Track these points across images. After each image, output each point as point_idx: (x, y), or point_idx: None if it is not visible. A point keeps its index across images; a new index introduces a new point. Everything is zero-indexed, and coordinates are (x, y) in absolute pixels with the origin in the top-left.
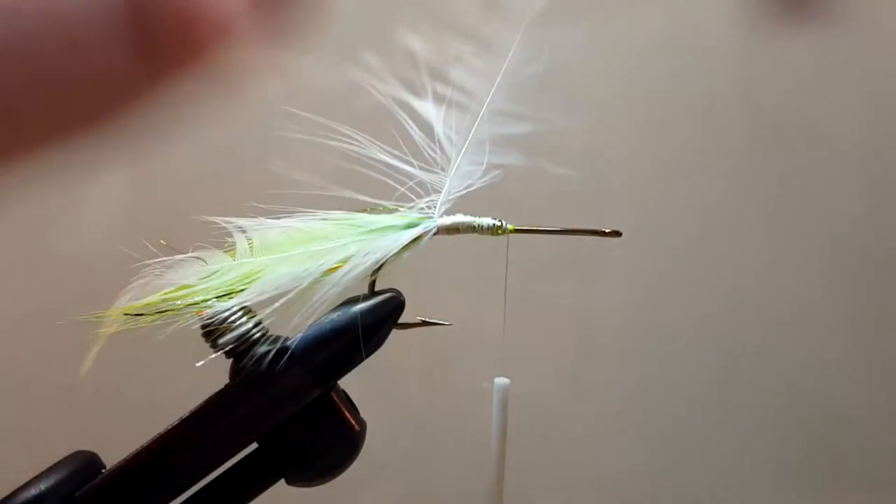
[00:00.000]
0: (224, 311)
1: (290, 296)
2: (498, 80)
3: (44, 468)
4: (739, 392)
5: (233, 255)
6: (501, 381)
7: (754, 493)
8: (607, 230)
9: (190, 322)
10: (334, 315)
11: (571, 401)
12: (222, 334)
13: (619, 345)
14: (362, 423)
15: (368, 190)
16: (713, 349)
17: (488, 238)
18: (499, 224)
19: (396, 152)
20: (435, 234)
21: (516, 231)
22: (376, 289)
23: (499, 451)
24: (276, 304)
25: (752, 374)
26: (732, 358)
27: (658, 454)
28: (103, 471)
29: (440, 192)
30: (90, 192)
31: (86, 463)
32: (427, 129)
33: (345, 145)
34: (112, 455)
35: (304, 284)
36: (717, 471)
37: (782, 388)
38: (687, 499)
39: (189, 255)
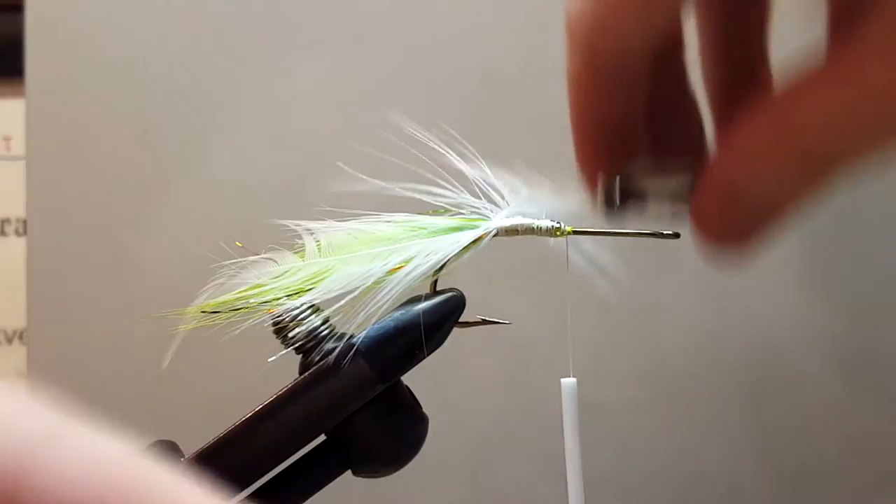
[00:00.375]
0: (294, 309)
1: (354, 294)
2: None
3: None
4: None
5: (302, 256)
6: (569, 381)
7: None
8: (666, 231)
9: (262, 319)
10: (397, 313)
11: (643, 403)
12: (292, 331)
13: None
14: (424, 418)
15: (430, 192)
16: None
17: (549, 238)
18: (557, 226)
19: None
20: (495, 235)
21: (575, 233)
22: (438, 288)
23: (573, 453)
24: (342, 302)
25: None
26: (840, 355)
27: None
28: (181, 459)
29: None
30: (170, 200)
31: (166, 451)
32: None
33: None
34: (190, 445)
35: (369, 283)
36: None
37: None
38: None
39: (262, 256)
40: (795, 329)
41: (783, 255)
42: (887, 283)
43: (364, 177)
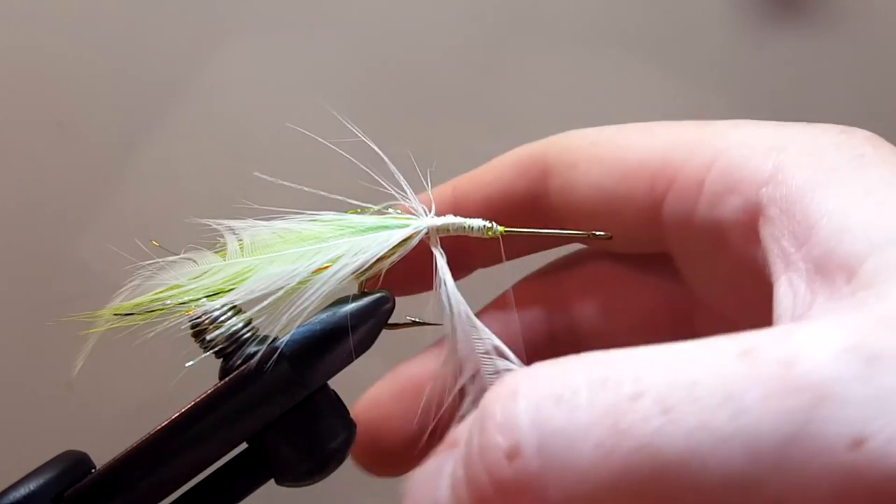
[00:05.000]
0: (213, 311)
1: (278, 295)
2: None
3: (33, 468)
4: None
5: (223, 256)
6: None
7: None
8: (598, 233)
9: (179, 321)
10: (323, 315)
11: None
12: (211, 333)
13: None
14: (352, 424)
15: (359, 191)
16: None
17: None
18: (489, 225)
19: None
20: (425, 234)
21: (506, 233)
22: (366, 289)
23: None
24: (265, 303)
25: None
26: None
27: None
28: (93, 471)
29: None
30: (86, 197)
31: (75, 463)
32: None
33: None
34: (102, 456)
35: (293, 283)
36: None
37: None
38: None
39: (181, 256)
40: None
41: None
42: None
43: (285, 182)
